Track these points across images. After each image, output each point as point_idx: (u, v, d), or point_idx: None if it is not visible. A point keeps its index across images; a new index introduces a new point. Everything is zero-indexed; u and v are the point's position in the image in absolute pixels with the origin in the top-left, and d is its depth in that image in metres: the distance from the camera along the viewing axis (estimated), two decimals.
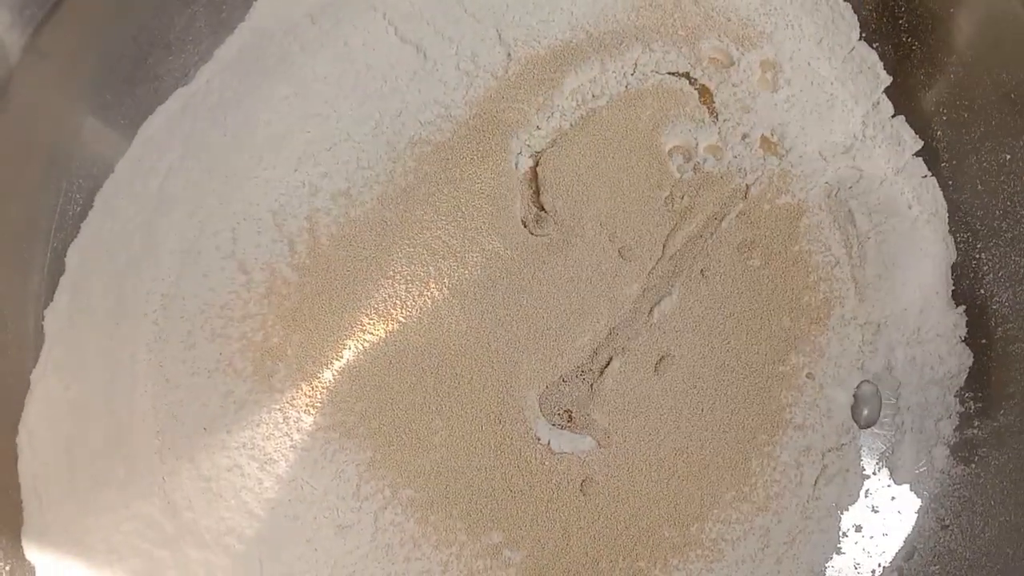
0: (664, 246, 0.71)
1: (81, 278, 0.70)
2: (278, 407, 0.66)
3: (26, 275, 0.69)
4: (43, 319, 0.69)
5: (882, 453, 0.71)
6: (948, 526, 0.69)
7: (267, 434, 0.66)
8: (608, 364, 0.69)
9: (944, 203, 0.74)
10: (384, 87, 0.74)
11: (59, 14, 0.68)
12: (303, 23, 0.76)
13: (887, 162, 0.75)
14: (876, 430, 0.71)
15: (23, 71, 0.67)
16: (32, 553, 0.64)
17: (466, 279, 0.69)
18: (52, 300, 0.69)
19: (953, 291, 0.73)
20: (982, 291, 0.72)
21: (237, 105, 0.74)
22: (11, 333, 0.68)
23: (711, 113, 0.75)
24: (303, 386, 0.67)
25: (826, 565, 0.68)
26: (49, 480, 0.66)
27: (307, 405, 0.66)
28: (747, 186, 0.73)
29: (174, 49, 0.76)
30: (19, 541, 0.65)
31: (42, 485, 0.66)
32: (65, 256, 0.70)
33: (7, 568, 0.64)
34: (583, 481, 0.66)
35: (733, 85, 0.75)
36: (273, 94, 0.74)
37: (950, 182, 0.74)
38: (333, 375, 0.67)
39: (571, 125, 0.73)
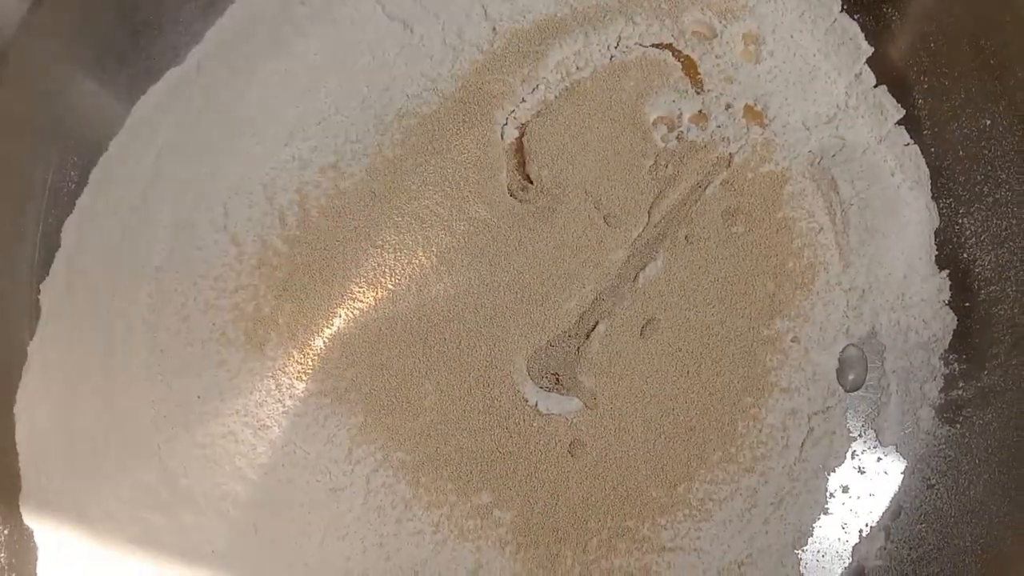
0: (649, 213, 0.72)
1: (76, 253, 0.71)
2: (271, 375, 0.67)
3: (21, 250, 0.71)
4: (39, 292, 0.70)
5: (868, 415, 0.72)
6: (934, 485, 0.70)
7: (260, 401, 0.67)
8: (594, 328, 0.70)
9: (927, 170, 0.75)
10: (372, 62, 0.75)
11: None
12: (292, 3, 0.77)
13: (870, 131, 0.76)
14: (862, 393, 0.72)
15: (19, 48, 0.69)
16: (30, 519, 0.66)
17: (454, 247, 0.70)
18: (48, 274, 0.71)
19: (936, 256, 0.73)
20: (965, 255, 0.73)
21: (228, 84, 0.75)
22: (8, 306, 0.69)
23: (694, 84, 0.76)
24: (295, 354, 0.68)
25: (813, 525, 0.69)
26: (46, 448, 0.67)
27: (299, 372, 0.67)
28: (731, 155, 0.74)
29: (166, 30, 0.77)
30: (17, 507, 0.66)
31: (40, 453, 0.67)
32: (60, 232, 0.72)
33: (6, 532, 0.65)
34: (571, 443, 0.67)
35: (716, 57, 0.76)
36: (263, 72, 0.75)
37: (932, 149, 0.75)
38: (324, 342, 0.68)
39: (556, 97, 0.74)
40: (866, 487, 0.71)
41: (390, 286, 0.69)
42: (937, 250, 0.74)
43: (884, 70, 0.77)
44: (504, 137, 0.73)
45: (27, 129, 0.71)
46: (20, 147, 0.71)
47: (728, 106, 0.75)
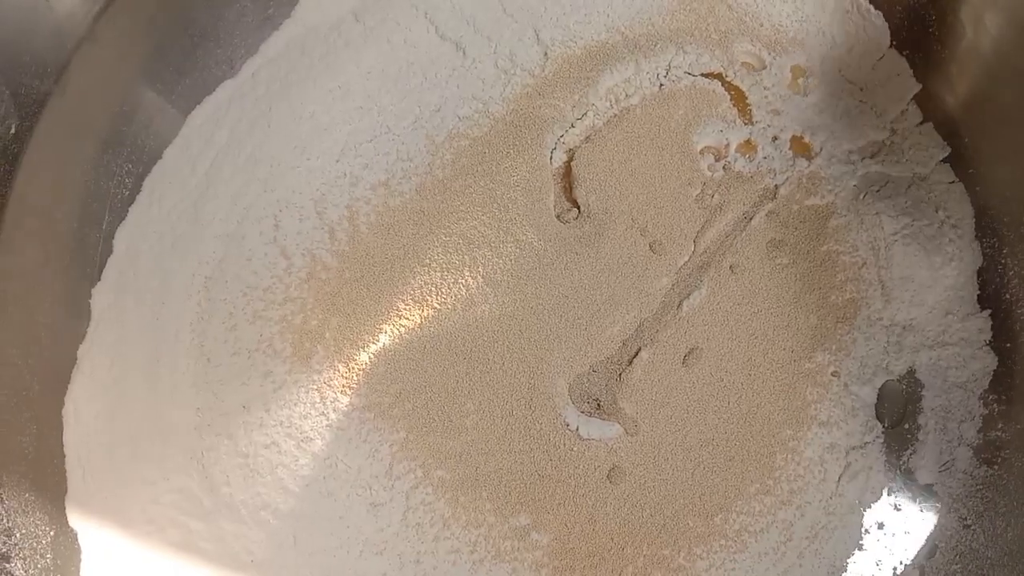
0: (695, 242, 0.73)
1: (128, 259, 0.73)
2: (315, 387, 0.68)
3: (77, 255, 0.72)
4: (91, 297, 0.71)
5: (905, 453, 0.72)
6: (970, 526, 0.70)
7: (304, 413, 0.68)
8: (637, 355, 0.70)
9: (971, 209, 0.75)
10: (424, 83, 0.76)
11: (117, 4, 0.71)
12: (347, 20, 0.79)
13: (915, 167, 0.76)
14: (900, 430, 0.72)
15: (81, 58, 0.70)
16: (75, 520, 0.66)
17: (500, 268, 0.71)
18: (100, 279, 0.72)
19: (979, 295, 0.73)
20: (1008, 295, 0.73)
21: (282, 97, 0.76)
22: (61, 309, 0.70)
23: (742, 114, 0.76)
24: (340, 368, 0.68)
25: (847, 561, 0.69)
26: (92, 451, 0.68)
27: (344, 386, 0.68)
28: (776, 186, 0.75)
29: (222, 42, 0.78)
30: (63, 509, 0.67)
31: (85, 456, 0.68)
32: (113, 238, 0.73)
33: (51, 533, 0.66)
34: (610, 469, 0.68)
35: (765, 88, 0.77)
36: (317, 88, 0.76)
37: (977, 188, 0.75)
38: (369, 358, 0.69)
39: (605, 123, 0.75)
40: (902, 525, 0.70)
41: (436, 305, 0.70)
42: (979, 289, 0.74)
43: (931, 107, 0.77)
44: (553, 161, 0.74)
45: (87, 137, 0.72)
46: (81, 154, 0.72)
47: (775, 137, 0.76)
